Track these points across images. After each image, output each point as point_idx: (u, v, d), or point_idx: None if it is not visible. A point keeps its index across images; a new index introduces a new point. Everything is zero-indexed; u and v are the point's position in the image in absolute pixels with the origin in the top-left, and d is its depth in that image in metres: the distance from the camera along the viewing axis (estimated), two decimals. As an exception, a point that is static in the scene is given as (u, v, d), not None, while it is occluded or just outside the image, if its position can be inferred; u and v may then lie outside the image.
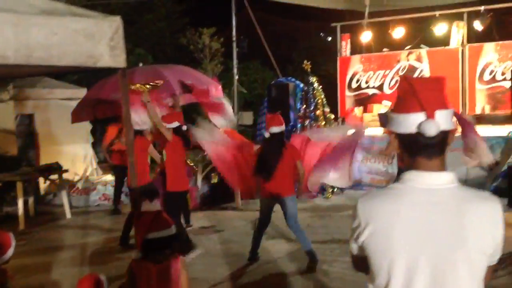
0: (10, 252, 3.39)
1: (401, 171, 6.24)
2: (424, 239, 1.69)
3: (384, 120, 1.89)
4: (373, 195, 1.83)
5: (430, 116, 1.72)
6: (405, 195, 1.75)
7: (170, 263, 3.15)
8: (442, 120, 1.74)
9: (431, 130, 1.72)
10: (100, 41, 3.05)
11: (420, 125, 1.73)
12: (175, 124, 6.41)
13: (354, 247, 1.84)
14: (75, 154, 11.63)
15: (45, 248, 7.34)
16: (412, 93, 1.75)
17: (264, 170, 5.97)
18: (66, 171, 9.81)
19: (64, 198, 9.31)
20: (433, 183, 1.74)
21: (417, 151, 1.77)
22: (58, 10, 3.07)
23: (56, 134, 11.55)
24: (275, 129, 5.97)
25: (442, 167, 1.78)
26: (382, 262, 1.73)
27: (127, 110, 3.31)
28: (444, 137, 1.76)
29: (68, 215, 9.26)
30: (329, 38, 20.70)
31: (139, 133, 6.86)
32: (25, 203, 9.01)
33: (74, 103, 10.65)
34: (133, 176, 3.45)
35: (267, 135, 6.05)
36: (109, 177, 10.90)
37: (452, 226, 1.69)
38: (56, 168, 9.56)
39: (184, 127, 6.56)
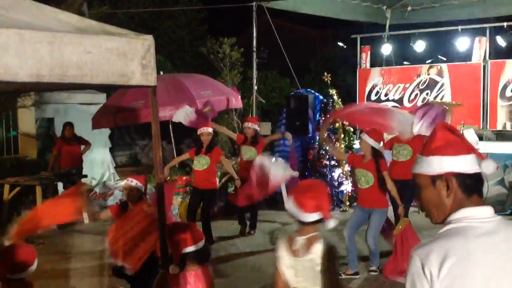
0: (35, 264, 3.42)
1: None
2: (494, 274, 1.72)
3: None
4: (431, 241, 1.78)
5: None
6: (467, 233, 1.77)
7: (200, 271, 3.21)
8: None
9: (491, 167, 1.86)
10: (133, 59, 3.06)
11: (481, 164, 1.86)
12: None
13: None
14: (93, 159, 11.69)
15: (63, 253, 7.39)
16: (459, 137, 1.88)
17: None
18: (85, 176, 9.86)
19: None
20: (483, 216, 1.80)
21: (473, 190, 1.84)
22: (91, 28, 3.09)
23: (75, 138, 11.62)
24: None
25: (482, 203, 1.85)
26: None
27: (156, 127, 3.32)
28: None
29: (86, 220, 9.27)
30: (342, 45, 20.56)
31: None
32: (44, 207, 9.05)
33: (93, 108, 10.77)
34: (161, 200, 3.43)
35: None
36: (126, 182, 10.96)
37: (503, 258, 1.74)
38: (75, 173, 9.63)
39: None
